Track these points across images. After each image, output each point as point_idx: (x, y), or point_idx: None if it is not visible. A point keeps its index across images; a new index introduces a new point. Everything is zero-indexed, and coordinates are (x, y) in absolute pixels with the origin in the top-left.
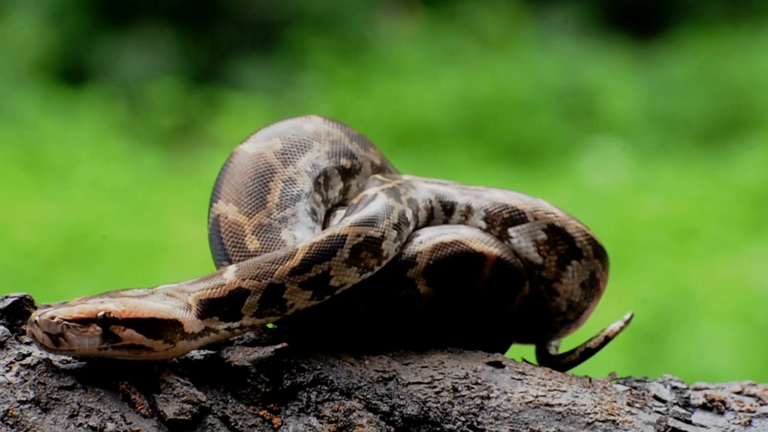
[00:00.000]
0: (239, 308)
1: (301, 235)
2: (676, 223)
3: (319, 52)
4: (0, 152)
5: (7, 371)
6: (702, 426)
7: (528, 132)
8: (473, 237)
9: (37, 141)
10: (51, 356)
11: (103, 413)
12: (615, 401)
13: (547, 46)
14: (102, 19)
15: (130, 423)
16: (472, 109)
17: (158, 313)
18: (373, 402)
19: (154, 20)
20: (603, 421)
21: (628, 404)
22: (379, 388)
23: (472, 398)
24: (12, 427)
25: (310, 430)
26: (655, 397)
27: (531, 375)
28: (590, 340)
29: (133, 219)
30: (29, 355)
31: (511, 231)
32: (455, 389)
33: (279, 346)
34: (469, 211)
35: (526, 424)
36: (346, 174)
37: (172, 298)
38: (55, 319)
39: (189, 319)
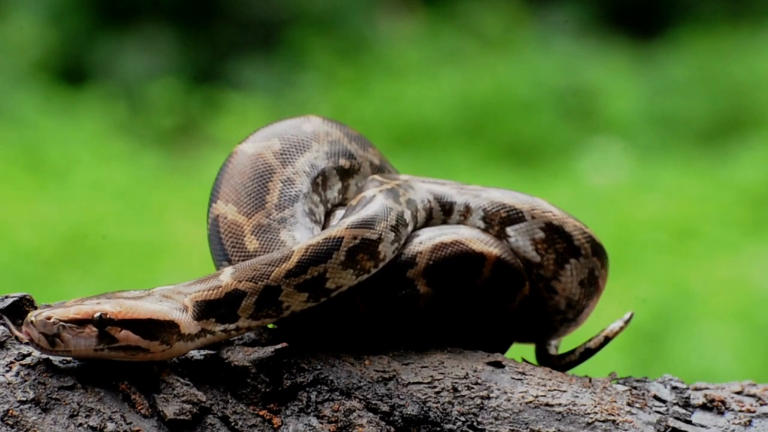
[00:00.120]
0: (235, 310)
1: (300, 236)
2: (676, 223)
3: (319, 52)
4: (0, 152)
5: (7, 371)
6: (702, 426)
7: (528, 132)
8: (473, 237)
9: (37, 141)
10: (49, 357)
11: (103, 413)
12: (615, 401)
13: (547, 46)
14: (102, 19)
15: (130, 423)
16: (472, 109)
17: (155, 315)
18: (373, 402)
19: (154, 20)
20: (603, 421)
21: (628, 404)
22: (379, 388)
23: (472, 398)
24: (12, 427)
25: (310, 430)
26: (655, 397)
27: (531, 375)
28: (590, 340)
29: (133, 219)
30: (29, 355)
31: (509, 230)
32: (455, 389)
33: (279, 346)
34: (467, 210)
35: (526, 424)
36: (345, 174)
37: (169, 300)
38: (51, 320)
39: (185, 321)
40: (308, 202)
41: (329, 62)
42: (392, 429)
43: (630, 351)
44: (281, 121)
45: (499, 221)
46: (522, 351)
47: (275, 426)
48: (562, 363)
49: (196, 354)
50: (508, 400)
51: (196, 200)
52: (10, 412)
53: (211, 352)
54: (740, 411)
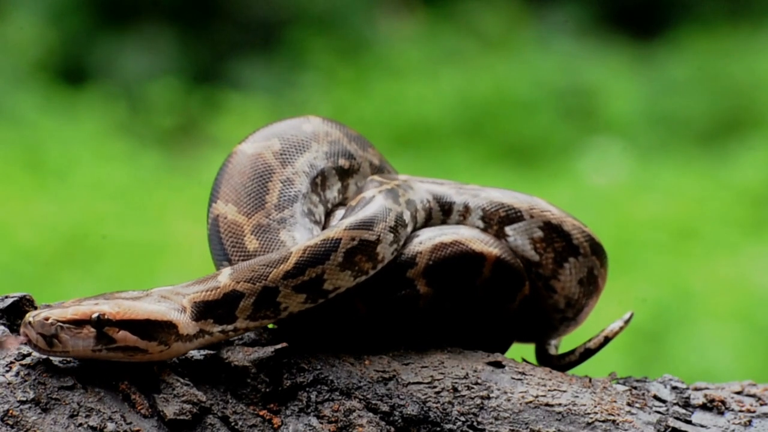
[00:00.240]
0: (233, 311)
1: (300, 236)
2: (676, 223)
3: (319, 52)
4: (0, 152)
5: (7, 371)
6: (702, 426)
7: (528, 132)
8: (473, 237)
9: (37, 141)
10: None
11: (103, 413)
12: (615, 401)
13: (547, 46)
14: (102, 19)
15: (130, 423)
16: (472, 109)
17: (153, 315)
18: (373, 402)
19: (154, 20)
20: (603, 421)
21: (628, 404)
22: (379, 388)
23: (472, 398)
24: (12, 427)
25: (310, 430)
26: (655, 397)
27: (531, 375)
28: (590, 340)
29: (133, 219)
30: (29, 355)
31: (508, 229)
32: (455, 389)
33: (279, 346)
34: (466, 210)
35: (526, 424)
36: (344, 174)
37: (167, 300)
38: (49, 321)
39: (184, 321)
40: (307, 202)
41: (329, 62)
42: (392, 429)
43: (630, 351)
44: (281, 121)
45: (497, 221)
46: (522, 351)
47: (275, 426)
48: (562, 363)
49: (196, 354)
50: (508, 400)
51: (196, 200)
52: (10, 412)
53: (211, 352)
54: (740, 411)
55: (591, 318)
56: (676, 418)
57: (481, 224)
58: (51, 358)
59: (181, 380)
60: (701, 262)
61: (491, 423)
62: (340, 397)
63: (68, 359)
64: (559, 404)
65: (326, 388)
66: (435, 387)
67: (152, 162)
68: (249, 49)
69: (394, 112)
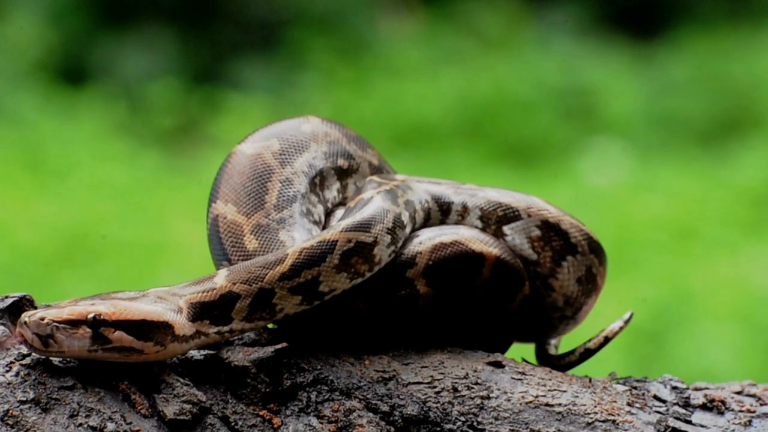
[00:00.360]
0: (230, 312)
1: (299, 237)
2: (676, 223)
3: (319, 52)
4: (0, 152)
5: (7, 371)
6: (702, 426)
7: (528, 132)
8: (473, 237)
9: (37, 141)
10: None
11: (103, 413)
12: (615, 401)
13: (547, 46)
14: (102, 19)
15: (130, 423)
16: (472, 109)
17: (149, 316)
18: (373, 402)
19: (154, 20)
20: (603, 421)
21: (628, 404)
22: (379, 388)
23: (472, 398)
24: (12, 427)
25: (310, 430)
26: (655, 397)
27: (531, 375)
28: (590, 340)
29: (133, 219)
30: (29, 355)
31: (506, 228)
32: (455, 389)
33: (279, 346)
34: (465, 210)
35: (526, 424)
36: (343, 174)
37: (164, 301)
38: (45, 321)
39: (180, 322)
40: (306, 202)
41: (329, 62)
42: (392, 429)
43: (630, 351)
44: (280, 122)
45: (495, 220)
46: (522, 351)
47: (275, 426)
48: (562, 363)
49: (196, 354)
50: (508, 400)
51: (196, 200)
52: (10, 412)
53: (211, 352)
54: (740, 411)
55: (591, 318)
56: (676, 418)
57: (479, 224)
58: (50, 358)
59: (181, 380)
60: (701, 262)
61: (491, 423)
62: (340, 397)
63: (67, 359)
64: (559, 404)
65: (326, 388)
66: (435, 387)
67: (152, 162)
68: (249, 49)
69: (394, 112)
